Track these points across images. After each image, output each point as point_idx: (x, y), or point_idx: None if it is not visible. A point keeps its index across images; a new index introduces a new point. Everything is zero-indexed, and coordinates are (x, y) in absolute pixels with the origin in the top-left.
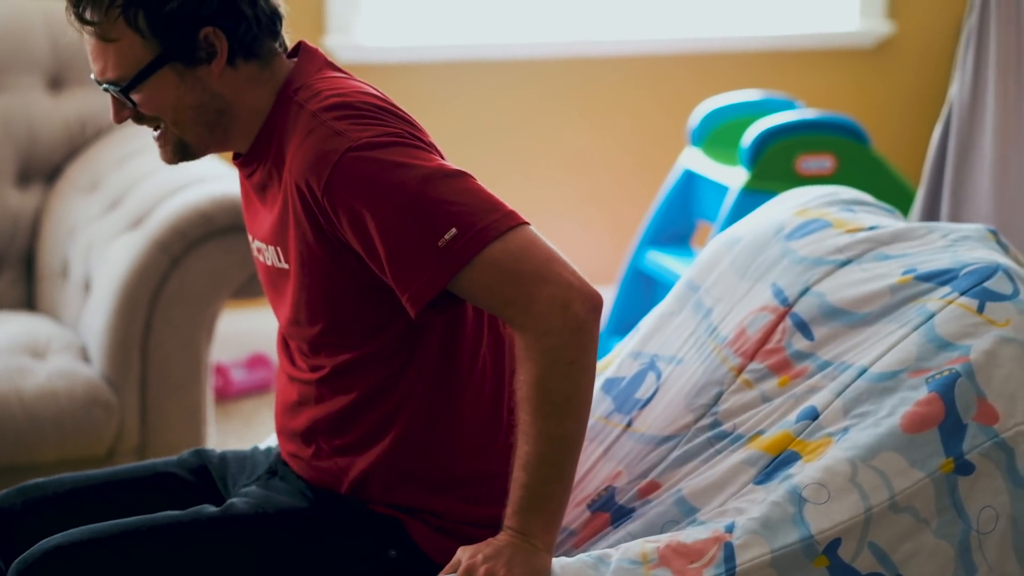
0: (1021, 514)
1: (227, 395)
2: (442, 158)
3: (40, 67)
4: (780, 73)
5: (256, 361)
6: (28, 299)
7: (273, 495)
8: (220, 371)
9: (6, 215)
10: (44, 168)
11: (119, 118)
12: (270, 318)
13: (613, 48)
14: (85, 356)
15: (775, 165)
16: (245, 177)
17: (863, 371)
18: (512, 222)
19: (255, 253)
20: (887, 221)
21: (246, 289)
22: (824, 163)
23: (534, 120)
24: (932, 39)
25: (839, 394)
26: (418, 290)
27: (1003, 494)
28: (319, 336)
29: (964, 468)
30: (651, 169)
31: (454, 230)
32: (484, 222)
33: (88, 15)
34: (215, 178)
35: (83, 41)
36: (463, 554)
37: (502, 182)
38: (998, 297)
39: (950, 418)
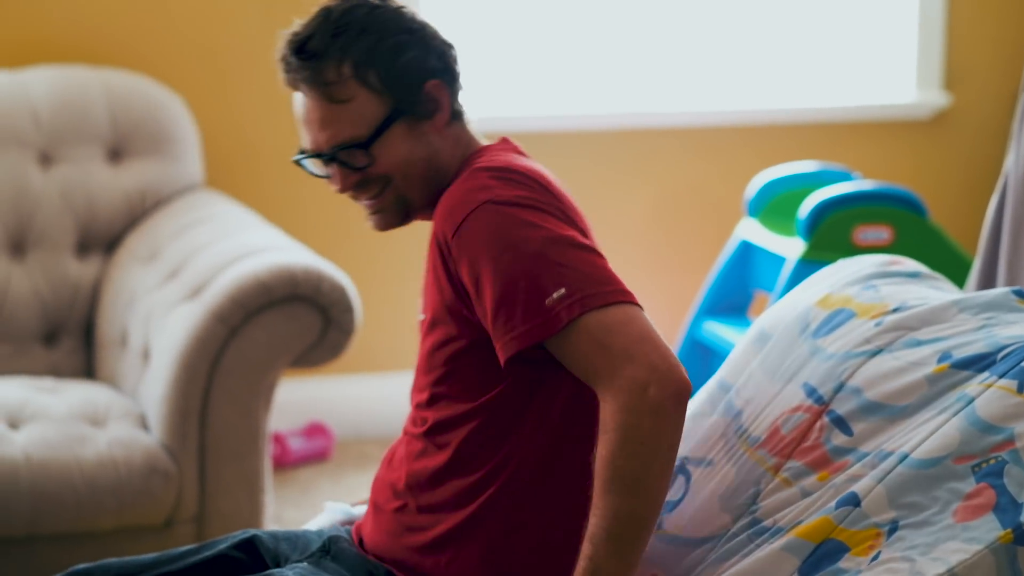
0: None
1: (284, 463)
2: (584, 236)
3: (100, 138)
4: (837, 144)
5: (314, 429)
6: (88, 368)
7: (322, 572)
8: (278, 439)
9: (66, 284)
10: (104, 238)
11: (346, 185)
12: (327, 386)
13: (671, 119)
14: (144, 424)
15: (832, 236)
16: (397, 226)
17: (904, 457)
18: (619, 297)
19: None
20: (915, 293)
21: (304, 358)
22: (882, 234)
23: (593, 190)
24: (989, 111)
25: (880, 480)
26: (513, 339)
27: None
28: (430, 386)
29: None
30: (709, 239)
31: (563, 290)
32: (592, 290)
33: (324, 78)
34: (273, 248)
35: (302, 115)
36: None
37: None
38: None
39: (1003, 499)
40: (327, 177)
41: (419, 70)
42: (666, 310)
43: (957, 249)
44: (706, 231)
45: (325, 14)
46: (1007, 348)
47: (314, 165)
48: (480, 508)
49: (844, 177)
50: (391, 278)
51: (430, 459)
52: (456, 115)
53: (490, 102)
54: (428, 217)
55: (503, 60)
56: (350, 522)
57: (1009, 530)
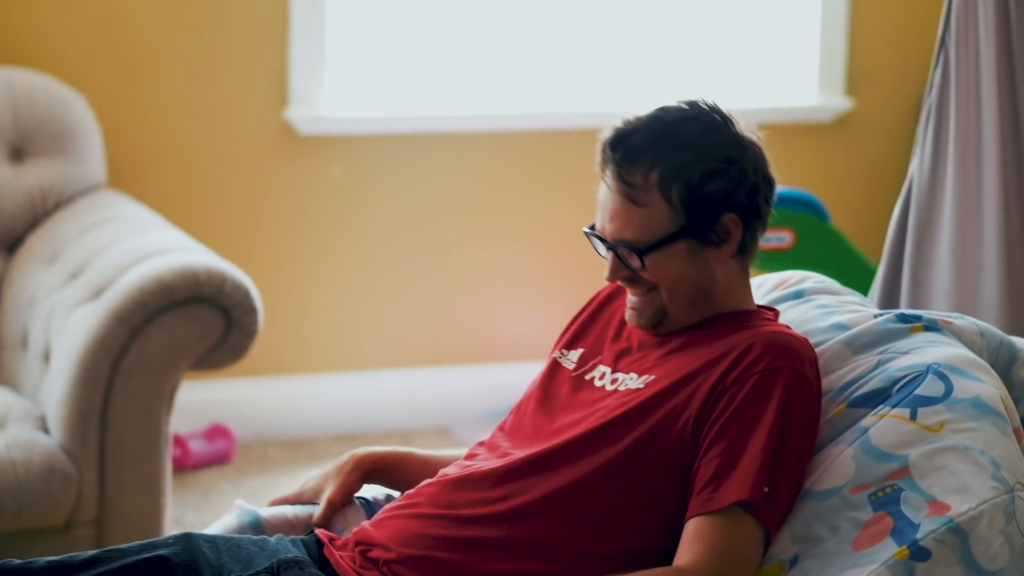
0: None
1: (185, 466)
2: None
3: (2, 137)
4: None
5: (215, 432)
6: None
7: None
8: (179, 442)
9: None
10: (5, 238)
11: (615, 276)
12: (230, 389)
13: (577, 121)
14: (44, 426)
15: None
16: (649, 332)
17: (804, 492)
18: (764, 517)
19: (572, 362)
20: (800, 320)
21: (206, 359)
22: (784, 237)
23: (496, 191)
24: (891, 115)
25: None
26: (715, 497)
27: None
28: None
29: (920, 554)
30: None
31: (768, 491)
32: (761, 495)
33: (629, 177)
34: (175, 249)
35: (602, 197)
36: None
37: (465, 253)
38: (929, 401)
39: (900, 522)
40: (605, 257)
41: (722, 201)
42: (570, 310)
43: (858, 253)
44: None
45: (659, 115)
46: (900, 381)
47: (597, 244)
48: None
49: None
50: (294, 281)
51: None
52: (743, 250)
53: (389, 102)
54: (685, 332)
55: (412, 61)
56: (260, 527)
57: (904, 547)
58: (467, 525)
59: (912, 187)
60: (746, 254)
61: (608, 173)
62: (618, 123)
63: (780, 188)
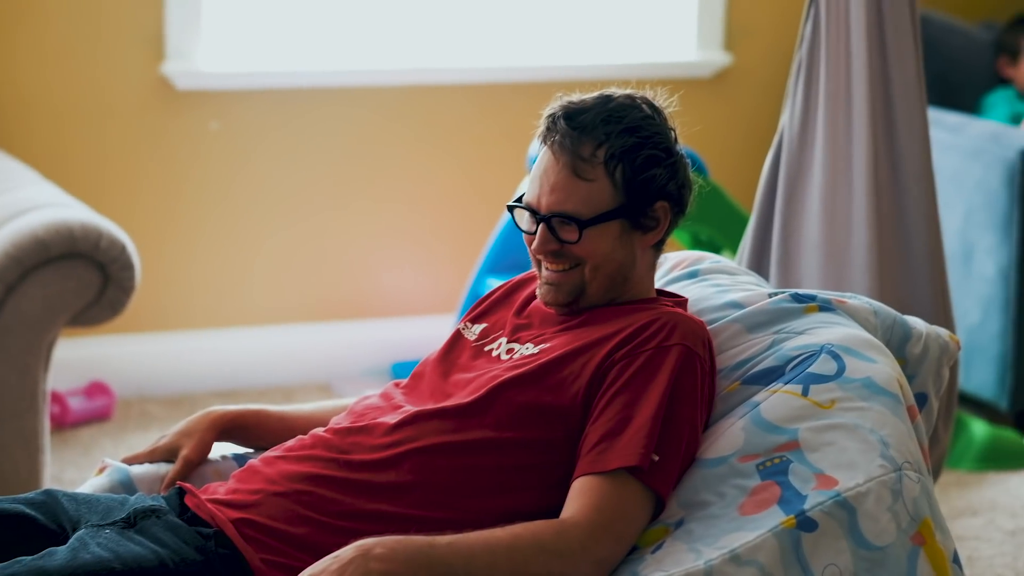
0: (863, 573)
1: (64, 423)
2: (701, 415)
3: None
4: None
5: (95, 389)
6: None
7: (126, 543)
8: (57, 399)
9: None
10: None
11: (543, 248)
12: (109, 345)
13: (454, 76)
14: None
15: None
16: (560, 310)
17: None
18: (653, 484)
19: (470, 332)
20: (693, 298)
21: (83, 316)
22: None
23: (376, 147)
24: (770, 70)
25: None
26: (599, 459)
27: (846, 553)
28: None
29: (807, 524)
30: (492, 197)
31: (657, 459)
32: (648, 462)
33: (579, 150)
34: (50, 205)
35: (539, 171)
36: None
37: (344, 209)
38: (822, 379)
39: (788, 492)
40: (530, 233)
41: (658, 189)
42: (451, 268)
43: (736, 207)
44: (490, 189)
45: (606, 99)
46: (794, 360)
47: (522, 217)
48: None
49: None
50: (174, 236)
51: None
52: (661, 242)
53: (265, 57)
54: (586, 311)
55: (289, 14)
56: (130, 485)
57: (792, 516)
58: (356, 469)
59: (783, 139)
60: (660, 248)
61: (556, 145)
62: (565, 99)
63: None
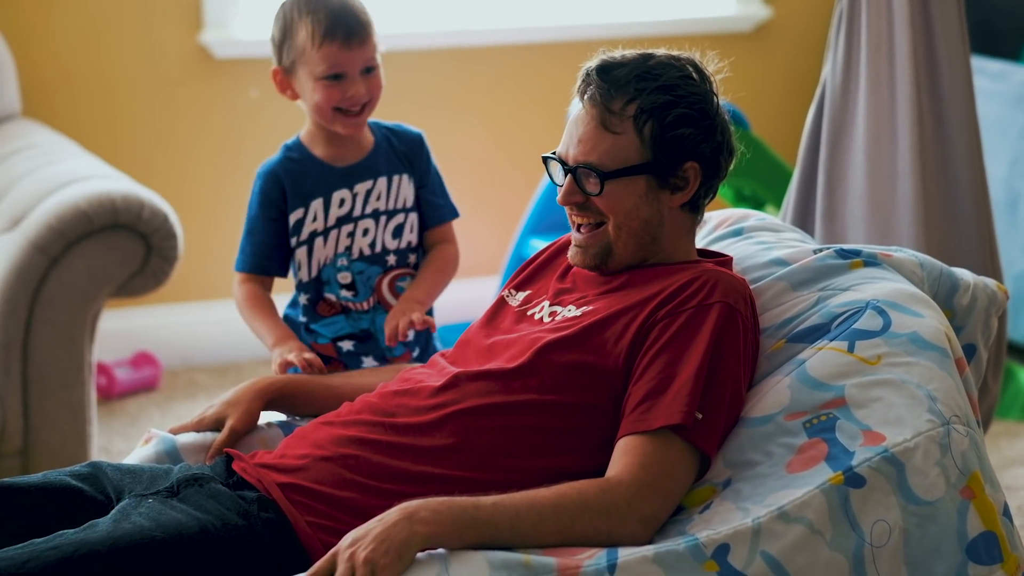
0: (913, 528)
1: (111, 394)
2: (745, 373)
3: None
4: None
5: (141, 359)
6: None
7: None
8: (103, 370)
9: None
10: None
11: (568, 199)
12: (154, 315)
13: (491, 37)
14: None
15: None
16: (591, 271)
17: (738, 420)
18: (698, 442)
19: (514, 298)
20: (737, 256)
21: (127, 287)
22: None
23: (415, 110)
24: (809, 22)
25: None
26: (644, 419)
27: (895, 509)
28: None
29: (855, 480)
30: (532, 159)
31: (701, 416)
32: (692, 420)
33: (608, 103)
34: (93, 177)
35: (571, 122)
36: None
37: None
38: (867, 335)
39: (835, 449)
40: (560, 186)
41: (689, 148)
42: (493, 230)
43: (778, 160)
44: (530, 150)
45: (645, 57)
46: (840, 316)
47: (555, 169)
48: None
49: None
50: (216, 205)
51: None
52: (695, 205)
53: None
54: (627, 272)
55: None
56: (176, 454)
57: (840, 472)
58: (401, 432)
59: (825, 92)
60: (696, 210)
61: (587, 97)
62: (606, 55)
63: None
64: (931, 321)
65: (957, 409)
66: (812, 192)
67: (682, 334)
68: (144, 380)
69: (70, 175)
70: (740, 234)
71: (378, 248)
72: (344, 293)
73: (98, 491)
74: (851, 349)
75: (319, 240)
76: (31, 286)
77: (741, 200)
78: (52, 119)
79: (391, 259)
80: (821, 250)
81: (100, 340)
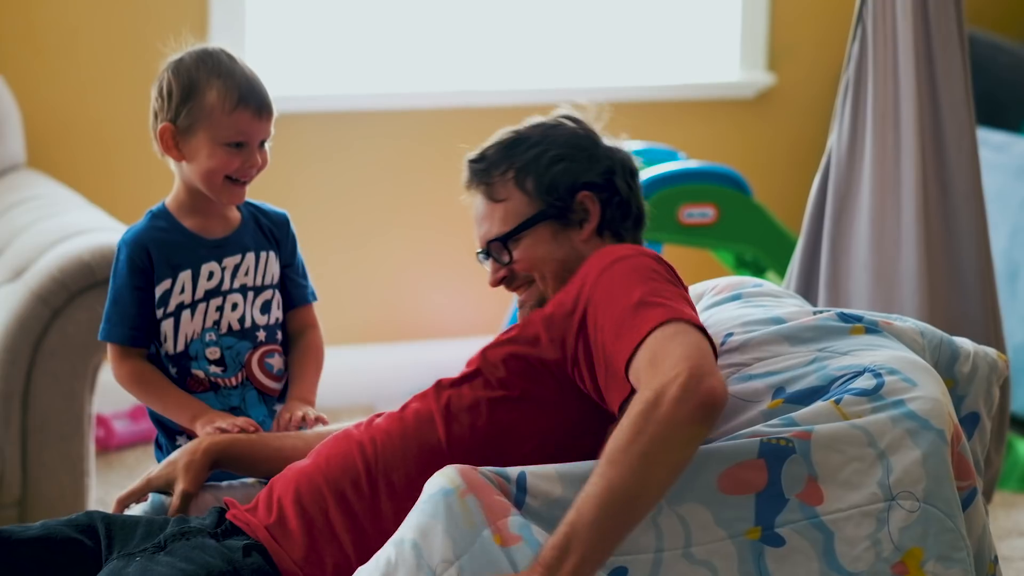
0: None
1: (109, 446)
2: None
3: None
4: (661, 123)
5: (139, 412)
6: None
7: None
8: (102, 422)
9: None
10: None
11: (494, 279)
12: None
13: (495, 98)
14: None
15: (658, 215)
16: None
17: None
18: (671, 316)
19: None
20: (733, 317)
21: None
22: (706, 212)
23: (417, 170)
24: (812, 90)
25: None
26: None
27: (815, 574)
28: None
29: (772, 540)
30: None
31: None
32: (668, 315)
33: (487, 179)
34: (96, 229)
35: (475, 208)
36: None
37: (388, 232)
38: (857, 392)
39: (771, 489)
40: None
41: (572, 181)
42: (493, 289)
43: (781, 228)
44: None
45: (512, 130)
46: (838, 380)
47: (481, 259)
48: None
49: (669, 156)
50: None
51: None
52: (609, 228)
53: (306, 80)
54: None
55: (330, 39)
56: (165, 511)
57: (759, 527)
58: (380, 447)
59: (831, 160)
60: (614, 232)
61: (471, 183)
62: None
63: (702, 163)
64: (923, 391)
65: (912, 485)
66: (816, 260)
67: (601, 288)
68: (142, 433)
69: (74, 227)
70: (739, 298)
71: (247, 323)
72: (213, 368)
73: (95, 542)
74: (837, 403)
75: (186, 313)
76: (33, 337)
77: (742, 266)
78: (55, 170)
79: (261, 335)
80: (821, 311)
81: (98, 392)
